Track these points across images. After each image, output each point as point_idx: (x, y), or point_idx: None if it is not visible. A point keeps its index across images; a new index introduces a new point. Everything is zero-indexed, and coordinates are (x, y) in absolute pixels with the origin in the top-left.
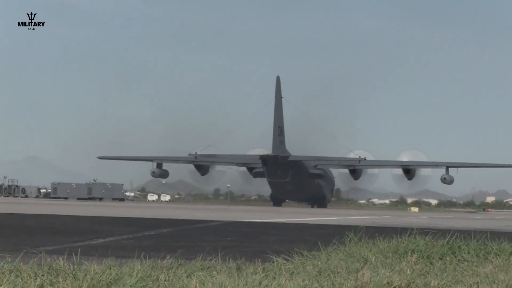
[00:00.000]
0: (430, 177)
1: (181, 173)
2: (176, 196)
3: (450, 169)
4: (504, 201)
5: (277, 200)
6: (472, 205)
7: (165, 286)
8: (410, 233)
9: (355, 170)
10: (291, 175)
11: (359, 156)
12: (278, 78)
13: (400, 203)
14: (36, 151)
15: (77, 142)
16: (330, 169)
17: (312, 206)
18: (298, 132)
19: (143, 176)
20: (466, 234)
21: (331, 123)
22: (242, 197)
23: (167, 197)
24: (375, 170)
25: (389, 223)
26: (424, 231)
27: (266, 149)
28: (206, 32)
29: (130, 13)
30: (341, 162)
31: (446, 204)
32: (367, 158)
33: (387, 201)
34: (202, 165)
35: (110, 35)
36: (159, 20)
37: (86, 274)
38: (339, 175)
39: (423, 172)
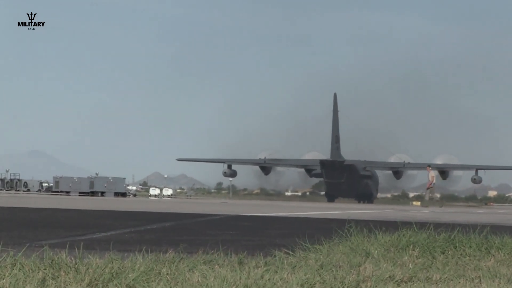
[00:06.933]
0: (461, 177)
1: (247, 173)
2: (178, 191)
3: (479, 171)
4: (506, 195)
5: (331, 196)
6: (474, 199)
7: (167, 279)
8: (412, 227)
9: (398, 171)
10: (345, 177)
11: (404, 161)
12: (335, 95)
13: (402, 197)
14: (39, 145)
15: (81, 137)
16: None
17: (359, 202)
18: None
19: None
20: (468, 228)
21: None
22: (244, 191)
23: (169, 191)
24: (414, 172)
25: (391, 216)
26: (425, 225)
27: (320, 152)
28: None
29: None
30: (387, 165)
31: (448, 198)
32: (406, 161)
33: (388, 195)
34: (266, 167)
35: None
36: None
37: (88, 268)
38: (383, 175)
39: (455, 173)
